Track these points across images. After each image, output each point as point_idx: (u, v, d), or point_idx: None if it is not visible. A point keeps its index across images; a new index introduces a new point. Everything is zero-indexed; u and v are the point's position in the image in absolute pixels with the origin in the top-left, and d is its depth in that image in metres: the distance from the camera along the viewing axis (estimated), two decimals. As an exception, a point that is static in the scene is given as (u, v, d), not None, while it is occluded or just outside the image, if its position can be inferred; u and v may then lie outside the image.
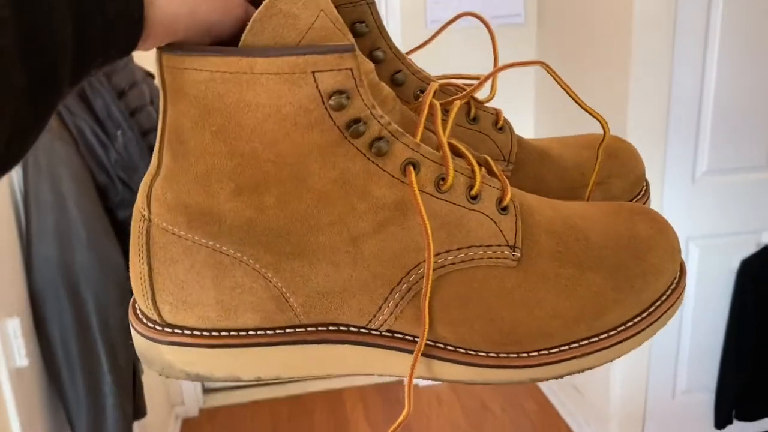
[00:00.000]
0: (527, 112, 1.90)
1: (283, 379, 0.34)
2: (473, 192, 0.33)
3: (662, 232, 0.36)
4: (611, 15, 1.47)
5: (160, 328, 0.33)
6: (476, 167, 0.33)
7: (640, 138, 1.18)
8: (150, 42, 0.28)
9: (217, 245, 0.31)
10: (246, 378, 0.34)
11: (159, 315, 0.33)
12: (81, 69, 0.25)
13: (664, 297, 0.36)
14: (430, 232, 0.30)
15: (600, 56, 1.54)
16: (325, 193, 0.30)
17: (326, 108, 0.29)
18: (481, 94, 0.41)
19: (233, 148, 0.29)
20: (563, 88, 0.38)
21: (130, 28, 0.26)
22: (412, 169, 0.31)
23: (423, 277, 0.32)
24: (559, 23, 1.72)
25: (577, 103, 0.38)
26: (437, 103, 0.33)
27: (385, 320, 0.33)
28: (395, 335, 0.33)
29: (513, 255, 0.33)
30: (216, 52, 0.28)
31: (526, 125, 1.86)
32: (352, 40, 0.31)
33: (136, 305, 0.34)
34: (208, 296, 0.32)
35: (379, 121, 0.30)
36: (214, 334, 0.33)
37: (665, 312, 0.36)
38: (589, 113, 0.38)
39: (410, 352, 0.33)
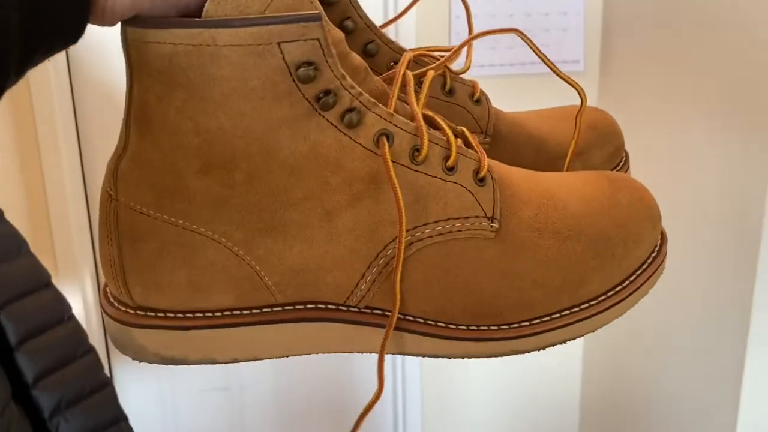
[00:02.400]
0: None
1: (261, 359, 0.33)
2: (449, 163, 0.32)
3: (642, 200, 0.36)
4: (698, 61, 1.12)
5: (132, 311, 0.32)
6: (452, 138, 0.32)
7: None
8: (116, 16, 0.27)
9: (187, 224, 0.30)
10: (222, 360, 0.33)
11: (130, 297, 0.32)
12: (28, 57, 0.24)
13: (645, 265, 0.35)
14: (402, 204, 0.29)
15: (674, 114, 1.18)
16: (297, 167, 0.30)
17: (294, 80, 0.28)
18: (457, 66, 0.40)
19: (198, 124, 0.28)
20: (539, 57, 0.37)
21: (78, 10, 0.25)
22: (385, 140, 0.30)
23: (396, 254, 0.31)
24: (625, 72, 1.34)
25: (553, 71, 0.37)
26: (410, 74, 0.33)
27: (363, 296, 0.32)
28: (374, 311, 0.33)
29: (491, 226, 0.32)
30: (178, 24, 0.27)
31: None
32: (320, 8, 0.30)
33: (107, 288, 0.33)
34: (179, 276, 0.31)
35: (349, 92, 0.29)
36: (188, 315, 0.32)
37: (647, 280, 0.35)
38: (566, 81, 0.38)
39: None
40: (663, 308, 1.18)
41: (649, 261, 0.35)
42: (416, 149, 0.31)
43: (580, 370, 1.53)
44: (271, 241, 0.30)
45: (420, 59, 0.38)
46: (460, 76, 0.40)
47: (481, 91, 0.41)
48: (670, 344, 1.23)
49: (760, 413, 1.06)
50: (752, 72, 1.00)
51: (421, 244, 0.32)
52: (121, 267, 0.31)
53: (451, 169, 0.32)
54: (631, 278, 0.35)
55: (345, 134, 0.30)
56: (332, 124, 0.29)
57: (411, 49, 0.38)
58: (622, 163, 0.44)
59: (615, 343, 1.37)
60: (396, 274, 0.31)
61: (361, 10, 0.36)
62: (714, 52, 1.07)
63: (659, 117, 1.21)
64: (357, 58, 0.32)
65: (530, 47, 0.37)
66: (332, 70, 0.28)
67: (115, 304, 0.33)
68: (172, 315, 0.32)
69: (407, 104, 0.33)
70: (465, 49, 0.38)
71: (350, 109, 0.29)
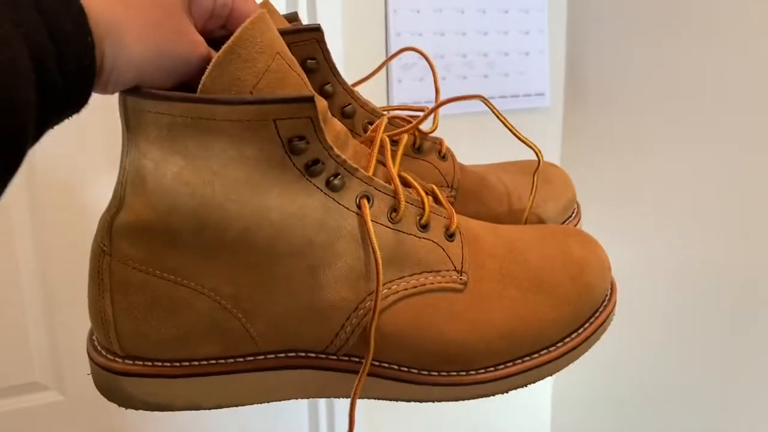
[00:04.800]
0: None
1: (244, 405, 0.35)
2: (423, 221, 0.35)
3: (593, 253, 0.40)
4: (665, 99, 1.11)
5: (120, 360, 0.33)
6: (425, 198, 0.35)
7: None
8: (118, 87, 0.29)
9: (179, 279, 0.32)
10: (207, 406, 0.35)
11: (119, 346, 0.33)
12: (42, 127, 0.26)
13: (597, 313, 0.39)
14: (380, 260, 0.32)
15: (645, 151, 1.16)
16: (285, 226, 0.32)
17: (287, 151, 0.30)
18: (425, 126, 0.43)
19: (194, 189, 0.30)
20: (500, 120, 0.41)
21: (86, 84, 0.27)
22: (366, 202, 0.33)
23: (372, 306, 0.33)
24: (593, 107, 1.28)
25: (513, 134, 0.41)
26: (386, 138, 0.35)
27: (342, 345, 0.34)
28: (351, 359, 0.35)
29: (460, 279, 0.35)
30: (179, 98, 0.29)
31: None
32: (307, 81, 0.33)
33: (94, 338, 0.35)
34: (168, 328, 0.33)
35: (335, 160, 0.32)
36: (174, 364, 0.33)
37: (599, 327, 0.39)
38: (524, 143, 0.41)
39: (368, 374, 0.35)
40: (635, 342, 1.21)
41: (600, 309, 0.39)
42: (394, 209, 0.34)
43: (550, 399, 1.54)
44: (257, 293, 0.32)
45: (393, 120, 0.41)
46: (428, 134, 0.43)
47: (447, 148, 0.44)
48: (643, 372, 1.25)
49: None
50: (720, 102, 1.02)
51: (396, 296, 0.34)
52: (112, 318, 0.33)
53: (424, 227, 0.35)
54: (585, 325, 0.38)
55: (330, 197, 0.32)
56: (319, 188, 0.32)
57: (384, 111, 0.41)
58: (574, 214, 0.48)
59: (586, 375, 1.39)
60: (372, 325, 0.33)
61: (339, 75, 0.39)
62: (681, 83, 1.08)
63: (626, 148, 1.21)
64: (338, 124, 0.35)
65: (493, 112, 0.40)
66: (321, 143, 0.31)
67: (103, 352, 0.34)
68: (159, 364, 0.33)
69: (383, 165, 0.36)
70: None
71: (335, 175, 0.32)
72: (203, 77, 0.30)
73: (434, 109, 0.40)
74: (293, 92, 0.30)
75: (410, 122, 0.41)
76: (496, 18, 1.13)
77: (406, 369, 0.36)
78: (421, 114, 0.41)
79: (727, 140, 1.01)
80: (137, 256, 0.32)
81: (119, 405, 0.34)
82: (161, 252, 0.32)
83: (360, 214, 0.33)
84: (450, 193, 0.43)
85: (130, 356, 0.33)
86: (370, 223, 0.32)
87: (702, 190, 1.06)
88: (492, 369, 0.36)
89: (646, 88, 1.15)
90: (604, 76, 1.24)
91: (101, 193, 0.81)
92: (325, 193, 0.32)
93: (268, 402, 0.35)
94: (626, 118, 1.19)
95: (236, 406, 0.35)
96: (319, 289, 0.33)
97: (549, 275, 0.37)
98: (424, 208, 0.35)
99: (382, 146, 0.35)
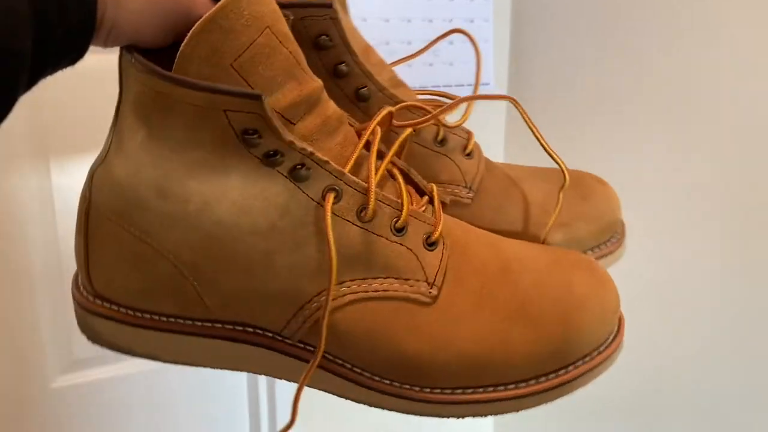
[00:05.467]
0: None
1: (198, 366, 0.36)
2: (398, 224, 0.33)
3: (598, 292, 0.36)
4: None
5: (92, 299, 0.35)
6: (406, 200, 0.33)
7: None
8: (117, 41, 0.29)
9: (144, 236, 0.33)
10: (164, 359, 0.36)
11: (92, 287, 0.35)
12: (36, 76, 0.27)
13: (587, 358, 0.35)
14: (334, 256, 0.31)
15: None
16: (248, 204, 0.31)
17: (241, 141, 0.29)
18: (454, 118, 0.40)
19: (155, 160, 0.30)
20: (530, 128, 0.37)
21: (85, 38, 0.27)
22: (331, 195, 0.31)
23: (332, 299, 0.32)
24: (536, 93, 1.23)
25: (541, 144, 0.37)
26: (378, 130, 0.33)
27: (294, 332, 0.34)
28: (306, 347, 0.35)
29: (429, 292, 0.33)
30: (147, 69, 0.29)
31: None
32: (301, 59, 0.32)
33: (78, 275, 0.37)
34: (132, 280, 0.34)
35: (299, 153, 0.30)
36: (137, 314, 0.35)
37: (586, 372, 0.35)
38: (551, 157, 0.37)
39: (319, 366, 0.34)
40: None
41: (592, 354, 0.35)
42: (363, 208, 0.32)
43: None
44: (214, 266, 0.32)
45: (413, 108, 0.38)
46: (456, 127, 0.40)
47: (475, 144, 0.41)
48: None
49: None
50: (671, 86, 0.97)
51: (355, 296, 0.33)
52: (86, 259, 0.34)
53: (399, 230, 0.33)
54: (569, 368, 0.35)
55: (294, 185, 0.31)
56: (282, 174, 0.31)
57: (398, 102, 0.39)
58: (612, 240, 0.43)
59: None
60: (323, 321, 0.32)
61: (356, 56, 0.37)
62: (627, 73, 1.03)
63: (571, 137, 1.14)
64: (331, 108, 0.33)
65: (523, 118, 0.37)
66: (277, 137, 0.30)
67: (81, 288, 0.36)
68: (124, 310, 0.35)
69: (380, 159, 0.34)
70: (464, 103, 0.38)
71: (300, 165, 0.31)
72: (182, 45, 0.29)
73: (457, 103, 0.37)
74: (241, 88, 0.29)
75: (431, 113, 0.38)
76: (441, 5, 1.09)
77: (358, 371, 0.34)
78: (447, 102, 0.38)
79: (673, 130, 0.97)
80: (111, 208, 0.33)
81: (87, 339, 0.36)
82: (131, 209, 0.32)
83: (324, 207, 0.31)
84: (467, 194, 0.40)
85: (100, 297, 0.35)
86: (328, 218, 0.31)
87: (646, 180, 1.01)
88: (449, 391, 0.34)
89: (592, 78, 1.10)
90: (549, 65, 1.19)
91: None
92: (290, 181, 0.31)
93: (223, 369, 0.36)
94: (572, 108, 1.15)
95: (192, 365, 0.36)
96: (274, 274, 0.32)
97: (536, 306, 0.34)
98: (401, 211, 0.33)
99: (371, 140, 0.33)
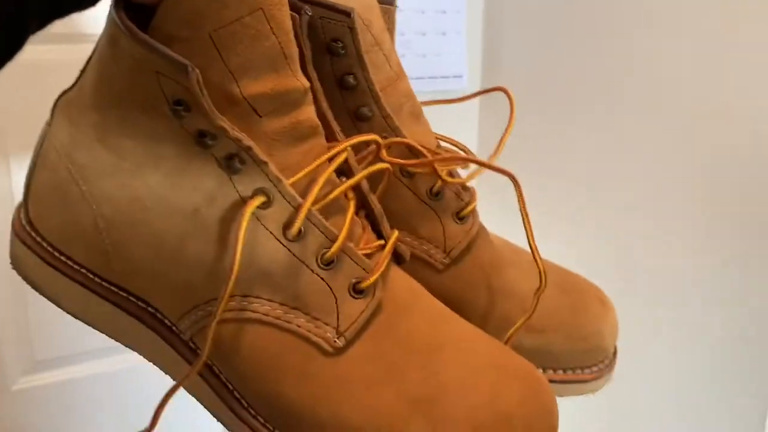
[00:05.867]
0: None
1: (95, 329, 0.34)
2: (326, 256, 0.29)
3: (533, 413, 0.30)
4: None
5: (23, 224, 0.34)
6: (343, 233, 0.29)
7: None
8: None
9: (77, 177, 0.31)
10: (66, 308, 0.34)
11: (27, 213, 0.34)
12: (50, 15, 0.26)
13: None
14: (237, 263, 0.28)
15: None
16: (178, 182, 0.29)
17: (171, 112, 0.27)
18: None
19: (98, 102, 0.29)
20: (523, 218, 0.33)
21: None
22: (259, 199, 0.28)
23: (227, 309, 0.29)
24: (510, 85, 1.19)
25: (528, 241, 0.32)
26: (348, 152, 0.30)
27: (188, 328, 0.31)
28: (197, 349, 0.32)
29: (334, 341, 0.29)
30: (112, 11, 0.28)
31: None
32: (291, 54, 0.29)
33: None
34: (55, 215, 0.32)
35: (234, 142, 0.28)
36: (55, 253, 0.33)
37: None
38: (533, 255, 0.32)
39: (201, 375, 0.31)
40: None
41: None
42: (289, 225, 0.29)
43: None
44: (130, 232, 0.30)
45: (410, 146, 0.35)
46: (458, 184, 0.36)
47: (474, 210, 0.37)
48: None
49: None
50: (646, 81, 0.96)
51: (253, 316, 0.29)
52: (28, 183, 0.34)
53: (327, 264, 0.30)
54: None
55: (227, 175, 0.28)
56: (216, 160, 0.28)
57: (398, 135, 0.36)
58: (594, 368, 0.37)
59: None
60: (210, 329, 0.29)
61: (368, 73, 0.34)
62: (600, 66, 1.02)
63: (545, 129, 1.12)
64: (306, 114, 0.30)
65: (519, 201, 0.32)
66: (206, 118, 0.27)
67: (20, 213, 0.35)
68: (43, 245, 0.33)
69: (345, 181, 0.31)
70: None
71: (234, 156, 0.28)
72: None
73: (456, 160, 0.33)
74: (172, 52, 0.26)
75: (427, 157, 0.34)
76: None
77: (238, 396, 0.31)
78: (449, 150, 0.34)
79: (647, 121, 0.96)
80: (60, 138, 0.32)
81: (10, 262, 0.35)
82: (73, 145, 0.31)
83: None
84: (442, 259, 0.36)
85: (31, 225, 0.34)
86: (245, 220, 0.28)
87: (622, 175, 1.01)
88: (320, 455, 0.30)
89: (564, 69, 1.08)
90: (523, 57, 1.16)
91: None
92: (222, 169, 0.28)
93: (116, 340, 0.34)
94: (545, 99, 1.12)
95: (89, 325, 0.34)
96: (183, 260, 0.30)
97: (449, 406, 0.29)
98: (333, 243, 0.29)
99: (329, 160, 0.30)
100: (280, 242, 0.29)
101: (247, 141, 0.28)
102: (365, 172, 0.31)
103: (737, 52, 0.85)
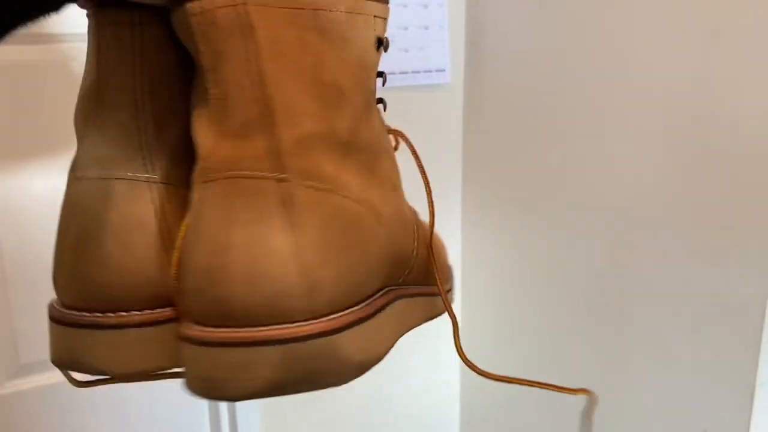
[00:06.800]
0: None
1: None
2: None
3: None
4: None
5: None
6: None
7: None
8: None
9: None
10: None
11: None
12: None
13: None
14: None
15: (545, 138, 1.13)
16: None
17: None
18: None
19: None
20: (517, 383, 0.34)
21: None
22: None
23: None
24: (493, 84, 1.21)
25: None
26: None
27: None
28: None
29: None
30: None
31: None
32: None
33: None
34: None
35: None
36: None
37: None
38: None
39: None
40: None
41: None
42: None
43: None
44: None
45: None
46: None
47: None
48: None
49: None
50: (629, 73, 0.96)
51: None
52: None
53: None
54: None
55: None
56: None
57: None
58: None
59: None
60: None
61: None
62: (584, 60, 1.03)
63: (528, 123, 1.14)
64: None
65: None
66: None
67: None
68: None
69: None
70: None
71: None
72: None
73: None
74: None
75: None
76: (395, -11, 1.02)
77: None
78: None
79: (630, 112, 0.97)
80: None
81: None
82: None
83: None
84: None
85: None
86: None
87: (605, 171, 1.01)
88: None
89: (547, 61, 1.09)
90: (505, 50, 1.16)
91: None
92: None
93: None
94: (528, 93, 1.13)
95: None
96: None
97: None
98: None
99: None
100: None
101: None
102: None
103: (719, 54, 0.86)
